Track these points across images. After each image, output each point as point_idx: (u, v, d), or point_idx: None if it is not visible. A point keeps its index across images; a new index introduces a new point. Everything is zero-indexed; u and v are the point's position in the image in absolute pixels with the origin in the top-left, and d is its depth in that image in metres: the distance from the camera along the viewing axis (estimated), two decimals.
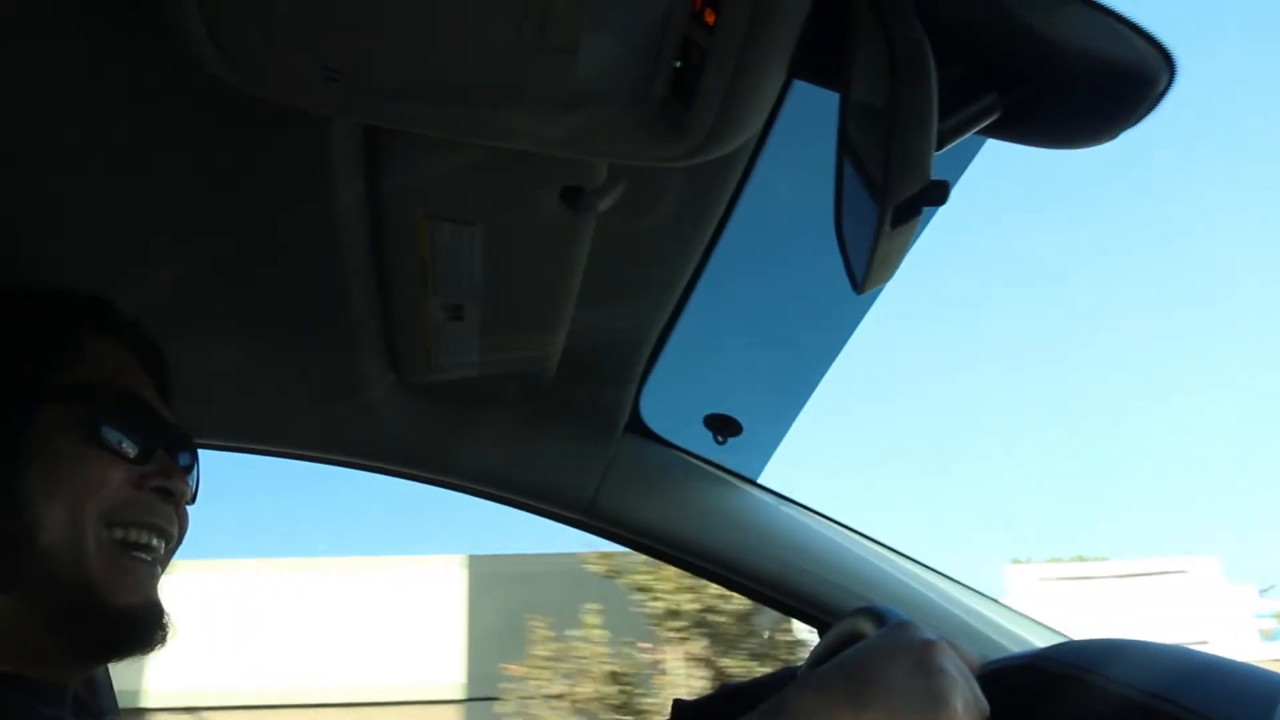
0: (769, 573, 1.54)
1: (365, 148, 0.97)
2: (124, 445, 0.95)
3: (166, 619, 0.97)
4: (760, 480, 1.61)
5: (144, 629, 0.95)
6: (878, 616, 1.07)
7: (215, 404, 1.41)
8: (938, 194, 0.71)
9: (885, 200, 0.70)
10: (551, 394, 1.43)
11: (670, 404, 1.51)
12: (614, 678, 10.91)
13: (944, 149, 0.72)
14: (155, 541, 0.97)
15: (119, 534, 0.93)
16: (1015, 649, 1.47)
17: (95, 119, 0.96)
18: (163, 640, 0.96)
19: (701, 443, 1.56)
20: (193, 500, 1.04)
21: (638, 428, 1.53)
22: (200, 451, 1.09)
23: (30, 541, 0.89)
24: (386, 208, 1.05)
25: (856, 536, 1.59)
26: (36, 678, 0.90)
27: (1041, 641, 1.46)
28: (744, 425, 1.53)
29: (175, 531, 1.00)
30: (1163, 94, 0.74)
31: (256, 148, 0.99)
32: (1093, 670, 0.95)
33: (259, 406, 1.45)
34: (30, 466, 0.90)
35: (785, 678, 1.26)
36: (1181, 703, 0.81)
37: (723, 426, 1.54)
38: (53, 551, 0.89)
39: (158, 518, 0.97)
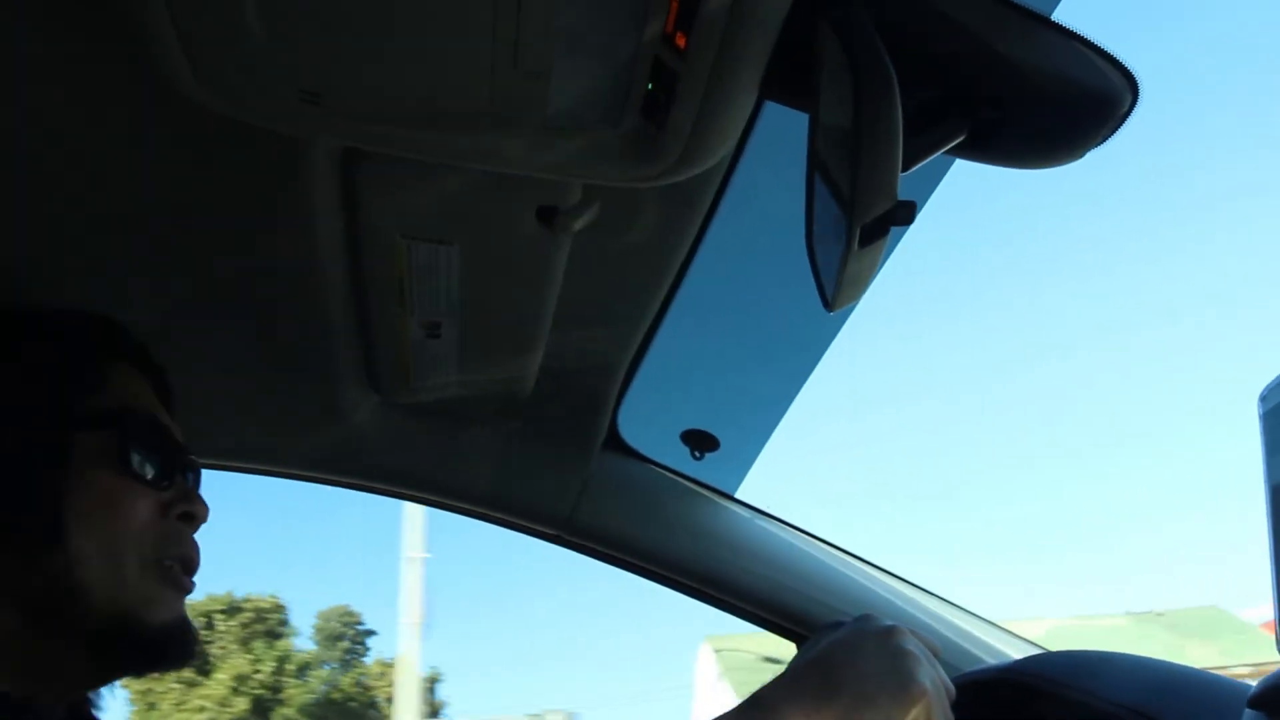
0: (746, 587, 1.55)
1: (342, 168, 0.97)
2: (149, 472, 0.95)
3: (196, 634, 0.97)
4: (738, 495, 1.62)
5: (179, 647, 0.95)
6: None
7: (196, 423, 1.41)
8: (905, 214, 0.72)
9: (853, 220, 0.71)
10: (529, 411, 1.43)
11: (647, 420, 1.51)
12: None
13: (910, 170, 0.73)
14: (179, 569, 0.97)
15: (152, 563, 0.93)
16: (991, 660, 1.49)
17: (70, 141, 0.96)
18: (195, 654, 0.97)
19: (679, 458, 1.57)
20: (205, 522, 1.03)
21: (615, 444, 1.54)
22: None
23: (70, 576, 0.88)
24: (364, 227, 1.05)
25: (833, 551, 1.60)
26: (35, 700, 0.89)
27: (1017, 654, 1.48)
28: (721, 441, 1.54)
29: (197, 559, 0.99)
30: (1126, 115, 0.75)
31: (234, 169, 0.99)
32: (1063, 682, 0.96)
33: (238, 426, 1.45)
34: (67, 499, 0.89)
35: None
36: (1147, 712, 0.82)
37: (700, 442, 1.54)
38: (89, 585, 0.89)
39: (186, 546, 0.98)
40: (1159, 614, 17.30)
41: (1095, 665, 0.99)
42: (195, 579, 0.99)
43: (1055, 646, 1.37)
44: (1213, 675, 0.94)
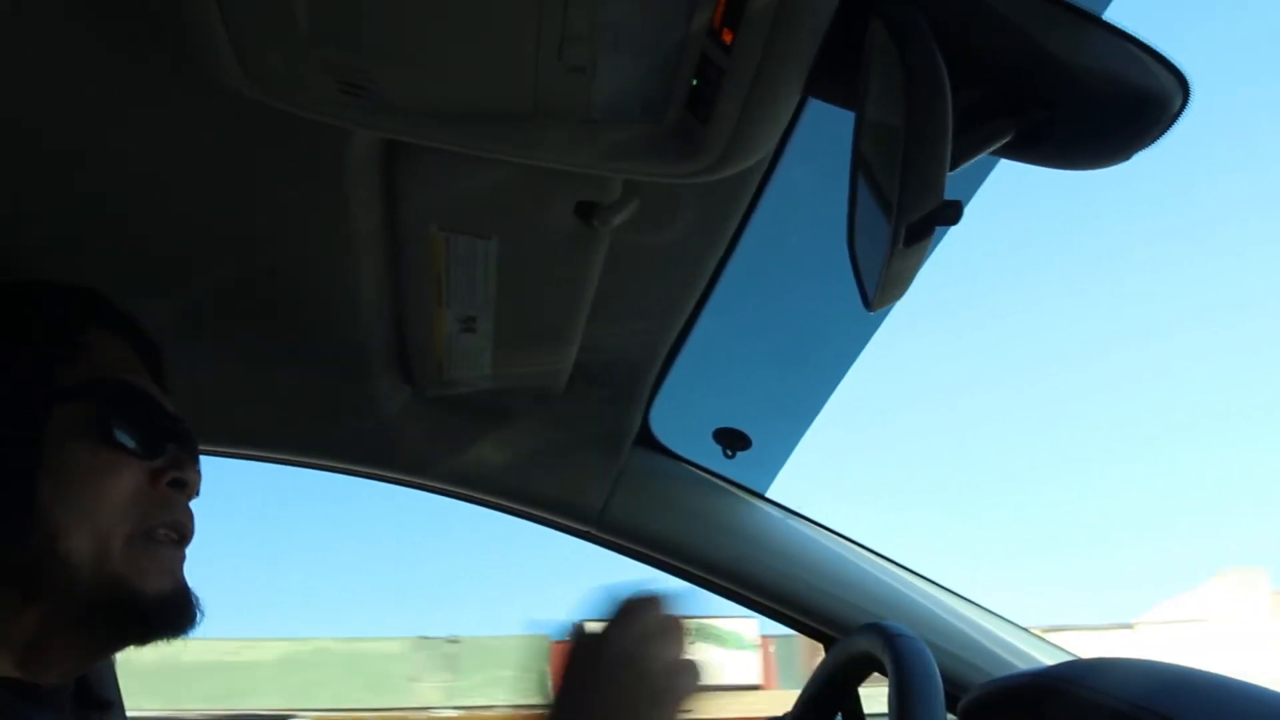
0: (776, 587, 1.55)
1: (382, 161, 0.97)
2: (134, 441, 0.93)
3: (197, 601, 0.95)
4: (769, 495, 1.61)
5: (177, 614, 0.93)
6: (884, 633, 1.07)
7: (229, 413, 1.42)
8: (951, 214, 0.71)
9: (898, 219, 0.71)
10: (562, 406, 1.43)
11: (680, 418, 1.51)
12: None
13: (957, 169, 0.72)
14: (174, 536, 0.95)
15: (140, 533, 0.91)
16: (1023, 665, 1.48)
17: (109, 132, 0.96)
18: (194, 624, 0.95)
19: (710, 456, 1.57)
20: (198, 494, 1.00)
21: (647, 441, 1.54)
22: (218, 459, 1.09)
23: (52, 551, 0.86)
24: (402, 220, 1.05)
25: (864, 552, 1.59)
26: (39, 680, 0.89)
27: (1048, 659, 1.46)
28: (753, 439, 1.54)
29: (191, 527, 0.97)
30: (1177, 116, 0.74)
31: (273, 160, 0.99)
32: (1091, 686, 0.95)
33: (271, 416, 1.46)
34: (44, 474, 0.88)
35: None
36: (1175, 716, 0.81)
37: (732, 440, 1.54)
38: (75, 558, 0.87)
39: (177, 513, 0.95)
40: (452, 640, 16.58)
41: (1124, 670, 0.99)
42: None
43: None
44: (1249, 684, 0.93)
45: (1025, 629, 1.60)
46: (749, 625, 14.94)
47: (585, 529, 1.56)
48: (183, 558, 0.96)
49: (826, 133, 0.93)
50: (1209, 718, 0.84)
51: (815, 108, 0.88)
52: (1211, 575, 17.42)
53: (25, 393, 0.91)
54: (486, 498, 1.56)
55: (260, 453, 1.52)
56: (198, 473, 0.99)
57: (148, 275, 1.17)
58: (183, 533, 0.96)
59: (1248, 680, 0.90)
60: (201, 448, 1.07)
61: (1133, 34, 0.73)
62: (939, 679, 0.98)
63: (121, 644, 0.96)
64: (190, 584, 0.96)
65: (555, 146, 0.83)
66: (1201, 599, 17.15)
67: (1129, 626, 17.41)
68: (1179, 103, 0.74)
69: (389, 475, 1.55)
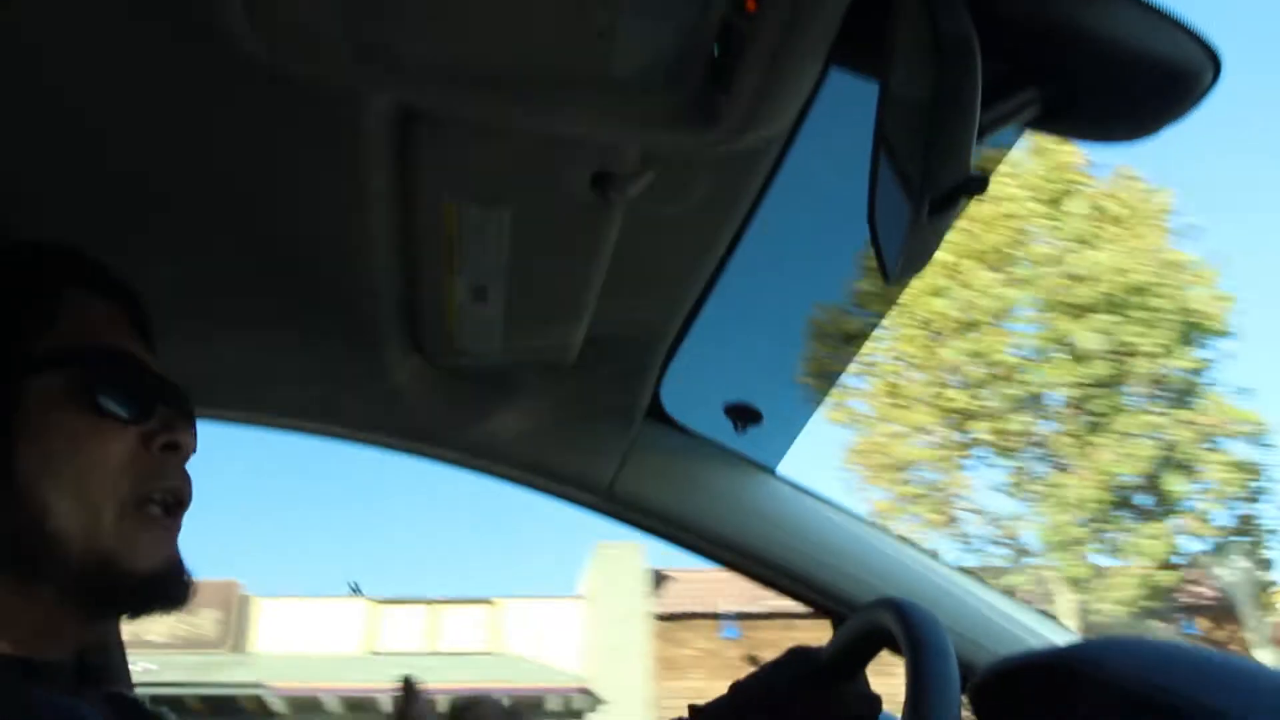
0: (785, 562, 1.54)
1: (396, 128, 0.96)
2: (120, 406, 0.89)
3: (188, 577, 0.93)
4: (779, 470, 1.61)
5: (168, 591, 0.91)
6: (897, 608, 1.07)
7: (238, 380, 1.42)
8: (977, 185, 0.70)
9: (923, 191, 0.70)
10: (573, 378, 1.43)
11: (691, 391, 1.51)
12: None
13: (983, 141, 0.71)
14: (170, 500, 0.92)
15: (133, 502, 0.89)
16: (1031, 643, 1.47)
17: (117, 97, 0.95)
18: (185, 599, 0.92)
19: (721, 430, 1.56)
20: (193, 453, 0.97)
21: (658, 413, 1.53)
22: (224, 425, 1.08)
23: (39, 528, 0.84)
24: (415, 188, 1.04)
25: (873, 529, 1.59)
26: (34, 657, 0.86)
27: (1058, 638, 1.46)
28: (764, 414, 1.53)
29: (188, 490, 0.94)
30: (1206, 90, 0.73)
31: (286, 126, 0.98)
32: (1101, 664, 0.95)
33: (281, 385, 1.46)
34: (26, 447, 0.84)
35: (795, 663, 1.26)
36: (1194, 696, 0.81)
37: (743, 415, 1.53)
38: (65, 534, 0.84)
39: (171, 478, 0.92)
40: None
41: (1134, 648, 0.98)
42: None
43: None
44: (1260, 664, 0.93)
45: (1031, 605, 1.59)
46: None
47: (594, 501, 1.56)
48: (177, 528, 0.93)
49: (847, 103, 0.92)
50: (1225, 697, 0.84)
51: (835, 78, 0.86)
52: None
53: (3, 362, 0.87)
54: (495, 468, 1.56)
55: (269, 419, 1.52)
56: (192, 434, 0.95)
57: (157, 243, 1.16)
58: (179, 497, 0.93)
59: (1260, 661, 0.90)
60: (210, 413, 1.06)
61: (1163, 7, 0.71)
62: (954, 657, 0.97)
63: (114, 617, 0.95)
64: (182, 556, 0.93)
65: (574, 113, 0.82)
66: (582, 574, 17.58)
67: (489, 602, 17.71)
68: (1209, 77, 0.73)
69: (398, 444, 1.55)
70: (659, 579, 17.48)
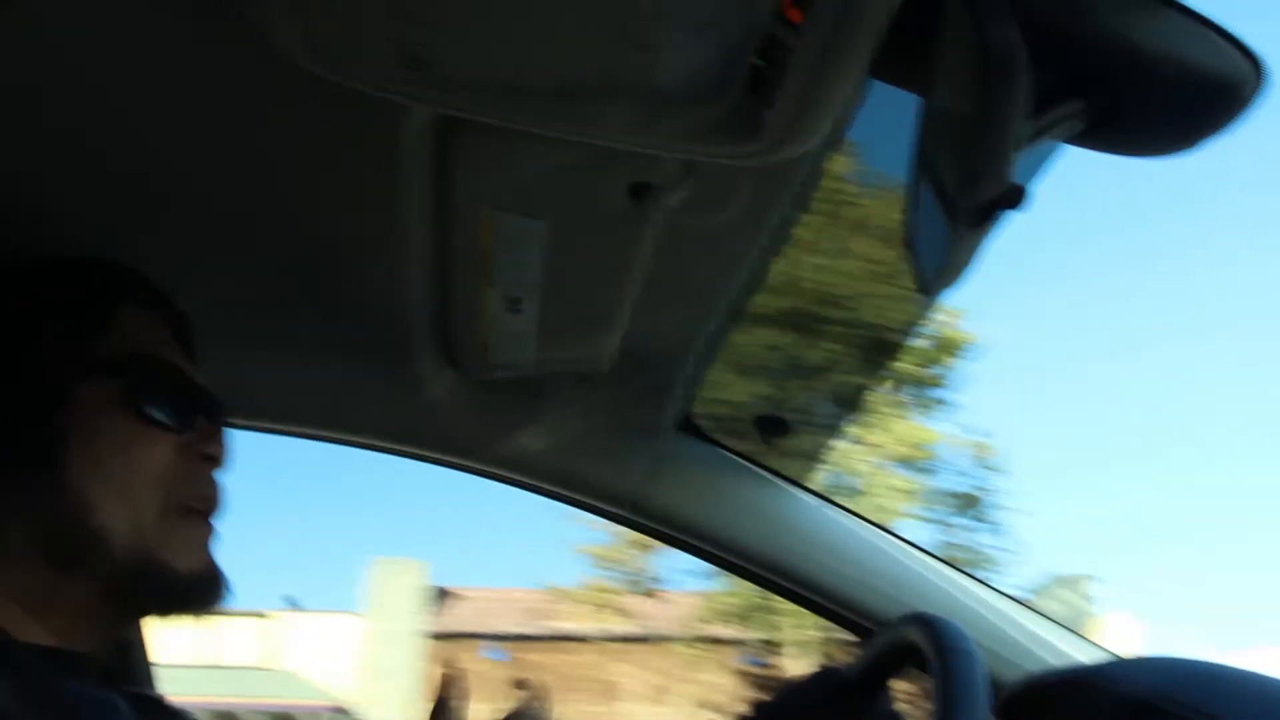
0: (813, 577, 1.54)
1: (435, 137, 0.97)
2: (163, 415, 0.94)
3: (226, 581, 0.97)
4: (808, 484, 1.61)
5: (206, 593, 0.96)
6: (927, 624, 1.06)
7: (272, 391, 1.43)
8: (1016, 198, 0.70)
9: (962, 204, 0.70)
10: (604, 388, 1.43)
11: (720, 403, 1.51)
12: None
13: (1023, 152, 0.71)
14: (203, 509, 0.97)
15: (174, 507, 0.93)
16: (1057, 662, 1.46)
17: (159, 106, 0.96)
18: (220, 601, 0.97)
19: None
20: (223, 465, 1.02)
21: (689, 426, 1.53)
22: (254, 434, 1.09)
23: (85, 524, 0.88)
24: (451, 198, 1.05)
25: (901, 544, 1.58)
26: (70, 649, 0.90)
27: (1087, 657, 1.45)
28: (793, 427, 1.53)
29: (219, 499, 1.00)
30: (1251, 102, 0.73)
31: (325, 135, 0.99)
32: (1128, 681, 0.94)
33: (314, 394, 1.46)
34: (76, 447, 0.90)
35: (820, 683, 1.25)
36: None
37: (772, 428, 1.53)
38: (108, 530, 0.89)
39: (207, 486, 0.98)
40: None
41: (1152, 665, 0.97)
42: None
43: None
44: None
45: (1061, 623, 1.58)
46: None
47: (622, 513, 1.56)
48: (213, 533, 0.98)
49: (881, 116, 0.92)
50: (1239, 711, 0.83)
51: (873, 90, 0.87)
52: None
53: (58, 368, 0.93)
54: (524, 479, 1.56)
55: (300, 430, 1.53)
56: (225, 445, 1.00)
57: (195, 253, 1.18)
58: (212, 505, 0.98)
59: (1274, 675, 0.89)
60: (244, 423, 1.07)
61: (1208, 18, 0.71)
62: (984, 674, 0.96)
63: (151, 614, 0.98)
64: (219, 562, 0.98)
65: (615, 125, 0.83)
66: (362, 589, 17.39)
67: (262, 615, 17.47)
68: (1254, 89, 0.73)
69: (427, 455, 1.55)
70: (442, 596, 17.38)
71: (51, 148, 1.01)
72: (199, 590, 0.95)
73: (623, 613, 15.35)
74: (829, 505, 1.58)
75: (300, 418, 1.50)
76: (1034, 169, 0.96)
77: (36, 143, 1.00)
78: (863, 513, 1.59)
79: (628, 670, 15.19)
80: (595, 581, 14.63)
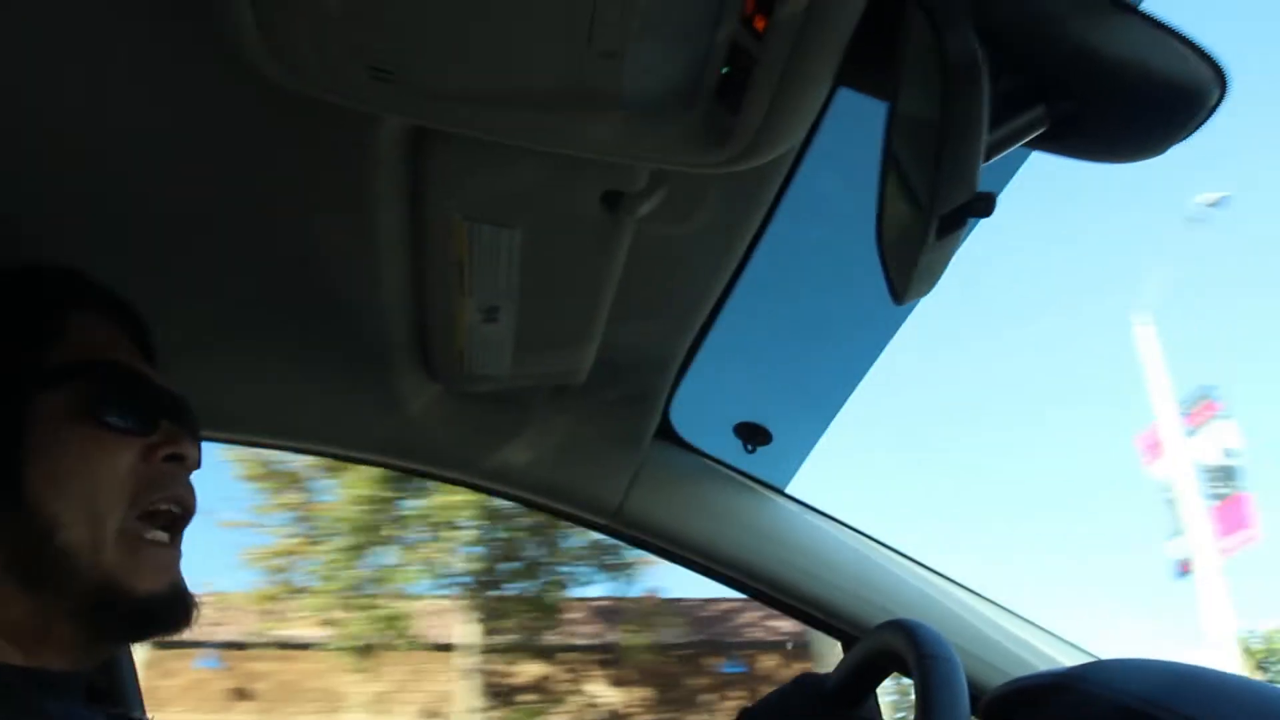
0: (795, 583, 1.54)
1: (407, 148, 0.97)
2: (124, 419, 0.92)
3: (191, 600, 0.94)
4: (789, 491, 1.61)
5: (169, 614, 0.92)
6: (907, 631, 1.06)
7: (254, 405, 1.42)
8: (984, 206, 0.70)
9: (931, 211, 0.70)
10: (582, 398, 1.43)
11: (700, 411, 1.51)
12: None
13: (990, 161, 0.72)
14: (176, 510, 0.94)
15: (139, 514, 0.91)
16: (1040, 665, 1.46)
17: (131, 121, 0.96)
18: (188, 622, 0.94)
19: (731, 451, 1.56)
20: (198, 466, 1.00)
21: (667, 434, 1.53)
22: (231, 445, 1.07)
23: (49, 541, 0.86)
24: (425, 208, 1.05)
25: (885, 550, 1.58)
26: (49, 669, 0.88)
27: (1067, 659, 1.45)
28: (774, 434, 1.53)
29: (192, 500, 0.97)
30: (1214, 109, 0.73)
31: (297, 148, 0.99)
32: (1112, 685, 0.94)
33: (292, 405, 1.46)
34: (34, 462, 0.87)
35: (803, 690, 1.25)
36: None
37: (753, 435, 1.53)
38: (72, 548, 0.86)
39: (176, 487, 0.95)
40: None
41: (1136, 668, 0.98)
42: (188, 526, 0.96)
43: None
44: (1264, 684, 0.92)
45: (1042, 627, 1.58)
46: None
47: (604, 522, 1.55)
48: (178, 555, 0.95)
49: (856, 122, 0.92)
50: (1224, 716, 0.84)
51: (843, 97, 0.87)
52: None
53: (10, 383, 0.90)
54: (506, 490, 1.56)
55: (282, 442, 1.53)
56: (196, 445, 0.98)
57: (171, 268, 1.17)
58: (185, 506, 0.95)
59: (1256, 679, 0.89)
60: (227, 436, 1.07)
61: (1171, 25, 0.72)
62: (965, 681, 0.97)
63: (114, 641, 0.96)
64: (184, 581, 0.95)
65: (584, 134, 0.83)
66: None
67: None
68: (1216, 96, 0.73)
69: (409, 467, 1.55)
70: None
71: (29, 158, 1.01)
72: (161, 612, 0.92)
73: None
74: (810, 511, 1.59)
75: (281, 431, 1.50)
76: (1002, 175, 0.97)
77: (11, 152, 0.99)
78: None
79: (353, 679, 14.70)
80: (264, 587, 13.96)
